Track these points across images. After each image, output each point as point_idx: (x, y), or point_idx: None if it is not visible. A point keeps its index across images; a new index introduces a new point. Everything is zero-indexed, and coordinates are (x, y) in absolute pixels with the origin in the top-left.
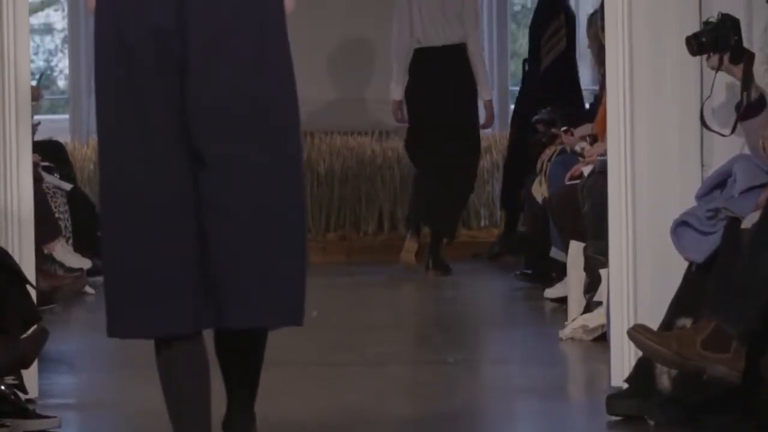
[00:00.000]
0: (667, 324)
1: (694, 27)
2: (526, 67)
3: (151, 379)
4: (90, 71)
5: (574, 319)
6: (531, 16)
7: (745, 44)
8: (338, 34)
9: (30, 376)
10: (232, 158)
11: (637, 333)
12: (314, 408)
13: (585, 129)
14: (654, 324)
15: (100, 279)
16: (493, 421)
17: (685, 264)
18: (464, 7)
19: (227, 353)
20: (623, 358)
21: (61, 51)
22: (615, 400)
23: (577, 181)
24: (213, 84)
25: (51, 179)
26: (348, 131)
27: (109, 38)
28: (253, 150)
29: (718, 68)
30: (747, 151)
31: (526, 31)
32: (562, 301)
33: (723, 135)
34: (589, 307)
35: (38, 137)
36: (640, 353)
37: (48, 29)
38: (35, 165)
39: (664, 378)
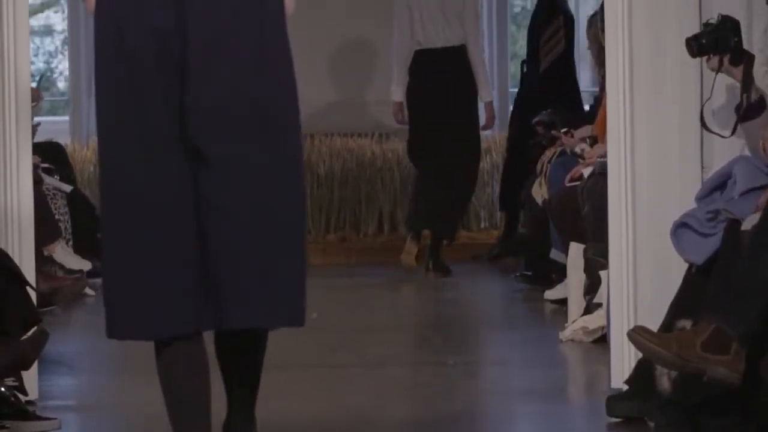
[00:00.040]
0: (667, 326)
1: (694, 28)
2: (525, 69)
3: (151, 380)
4: (90, 73)
5: (574, 321)
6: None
7: (745, 46)
8: (338, 35)
9: (30, 377)
10: (232, 158)
11: (637, 334)
12: (314, 410)
13: (585, 131)
14: (654, 326)
15: (100, 281)
16: (493, 422)
17: (685, 266)
18: (464, 9)
19: (227, 354)
20: (623, 360)
21: (61, 53)
22: (615, 401)
23: (577, 183)
24: (213, 84)
25: (51, 181)
26: (348, 133)
27: (108, 38)
28: (253, 150)
29: (718, 70)
30: (747, 152)
31: (526, 33)
32: (562, 302)
33: (723, 136)
34: (589, 308)
35: (38, 139)
36: (640, 355)
37: (48, 31)
38: (35, 167)
39: (664, 380)
